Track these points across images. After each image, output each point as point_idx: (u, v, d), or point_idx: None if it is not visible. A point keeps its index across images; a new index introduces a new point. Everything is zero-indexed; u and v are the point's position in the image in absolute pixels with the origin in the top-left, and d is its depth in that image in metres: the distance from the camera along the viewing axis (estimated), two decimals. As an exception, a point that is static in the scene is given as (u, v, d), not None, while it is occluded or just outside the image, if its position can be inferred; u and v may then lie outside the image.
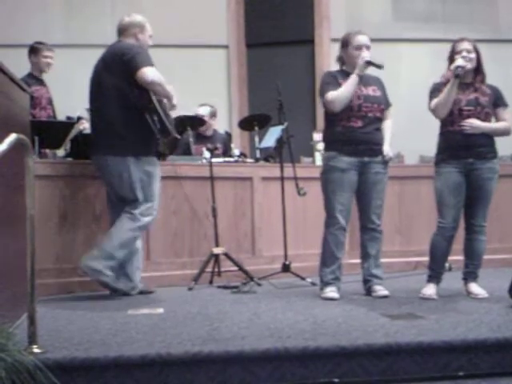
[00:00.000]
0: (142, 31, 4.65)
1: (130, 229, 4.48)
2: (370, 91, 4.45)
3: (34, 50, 5.84)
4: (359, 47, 4.39)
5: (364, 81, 4.45)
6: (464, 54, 4.23)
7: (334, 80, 4.42)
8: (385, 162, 4.47)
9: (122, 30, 4.66)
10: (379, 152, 4.44)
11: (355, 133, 4.38)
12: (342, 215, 4.38)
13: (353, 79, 4.35)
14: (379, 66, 4.36)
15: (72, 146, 5.10)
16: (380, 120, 4.48)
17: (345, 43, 4.46)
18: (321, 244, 4.48)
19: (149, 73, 4.36)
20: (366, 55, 4.36)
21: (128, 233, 4.48)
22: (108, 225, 4.66)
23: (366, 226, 4.50)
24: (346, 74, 4.43)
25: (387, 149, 4.45)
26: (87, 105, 4.70)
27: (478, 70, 4.32)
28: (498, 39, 7.86)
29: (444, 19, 7.82)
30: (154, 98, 4.44)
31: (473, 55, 4.27)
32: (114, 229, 4.49)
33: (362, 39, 4.42)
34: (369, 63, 4.36)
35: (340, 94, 4.34)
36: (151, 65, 4.42)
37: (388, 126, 4.54)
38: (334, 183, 4.39)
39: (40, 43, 5.89)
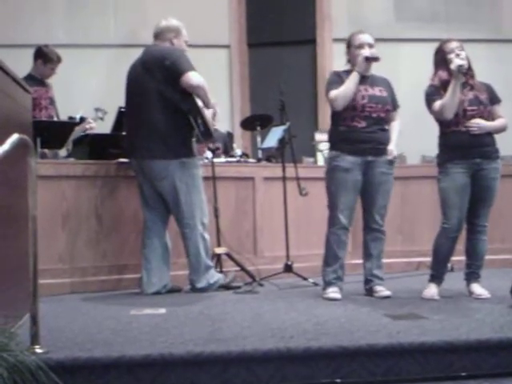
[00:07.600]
0: (177, 36, 4.71)
1: (197, 237, 4.60)
2: (377, 91, 4.44)
3: (45, 58, 5.64)
4: (361, 45, 4.40)
5: (371, 81, 4.46)
6: (457, 51, 4.21)
7: (338, 79, 4.42)
8: (390, 162, 4.44)
9: (158, 34, 4.72)
10: (384, 151, 4.41)
11: (358, 133, 4.36)
12: (344, 215, 4.37)
13: (353, 76, 4.36)
14: (376, 59, 4.37)
15: (76, 146, 5.10)
16: (385, 121, 4.46)
17: (348, 44, 4.49)
18: (324, 244, 4.48)
19: (194, 77, 4.44)
20: (364, 51, 4.37)
21: (198, 239, 4.61)
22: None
23: (370, 226, 4.49)
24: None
25: (392, 148, 4.43)
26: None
27: (469, 67, 4.30)
28: (500, 39, 7.84)
29: (446, 19, 7.80)
30: (197, 102, 4.50)
31: (464, 53, 4.25)
32: (187, 246, 4.64)
33: (363, 37, 4.43)
34: (367, 59, 4.36)
35: (341, 92, 4.34)
36: (194, 69, 4.48)
37: (395, 127, 4.54)
38: (337, 183, 4.37)
39: (55, 54, 5.68)
